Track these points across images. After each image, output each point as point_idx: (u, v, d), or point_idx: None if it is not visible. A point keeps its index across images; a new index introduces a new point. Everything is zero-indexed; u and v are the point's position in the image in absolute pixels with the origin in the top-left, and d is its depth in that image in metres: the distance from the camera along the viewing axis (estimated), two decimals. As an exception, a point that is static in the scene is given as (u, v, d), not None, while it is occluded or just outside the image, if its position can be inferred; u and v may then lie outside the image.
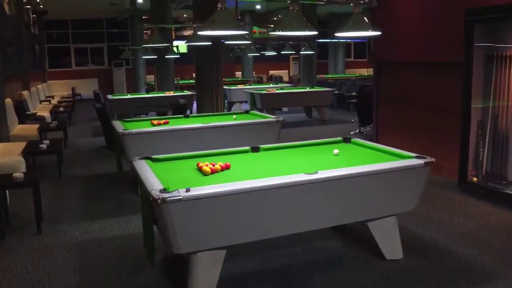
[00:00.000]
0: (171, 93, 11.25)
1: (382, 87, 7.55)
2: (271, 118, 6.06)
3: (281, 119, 5.95)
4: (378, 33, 3.72)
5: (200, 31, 3.31)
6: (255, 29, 19.91)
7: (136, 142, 5.20)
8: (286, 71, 24.00)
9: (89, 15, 18.92)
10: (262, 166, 3.59)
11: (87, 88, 19.09)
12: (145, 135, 5.27)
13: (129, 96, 11.24)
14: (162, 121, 6.05)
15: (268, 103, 10.78)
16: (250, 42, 7.81)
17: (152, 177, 3.05)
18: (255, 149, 4.04)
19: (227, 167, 3.40)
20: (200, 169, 3.34)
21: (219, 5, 3.24)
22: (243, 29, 3.25)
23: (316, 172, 3.11)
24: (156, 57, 11.77)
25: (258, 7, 17.44)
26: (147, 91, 13.67)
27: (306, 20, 3.51)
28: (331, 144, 4.34)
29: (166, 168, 3.47)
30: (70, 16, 19.17)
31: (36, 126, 8.62)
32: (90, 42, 20.34)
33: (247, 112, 6.98)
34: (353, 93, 13.59)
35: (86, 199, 5.61)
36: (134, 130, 5.25)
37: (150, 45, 6.09)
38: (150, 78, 17.82)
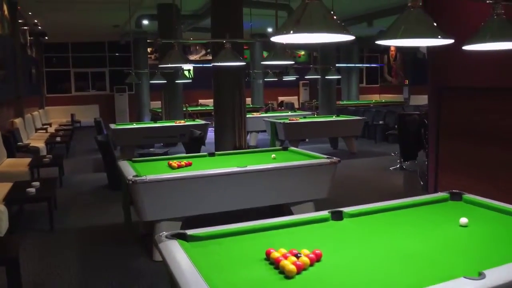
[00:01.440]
0: (182, 122, 9.95)
1: (444, 117, 6.24)
2: (322, 158, 4.74)
3: (335, 160, 4.65)
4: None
5: (275, 36, 2.04)
6: (265, 54, 18.82)
7: (153, 193, 3.88)
8: (296, 97, 22.91)
9: (91, 38, 17.94)
10: (362, 251, 2.25)
11: (87, 114, 17.97)
12: (164, 184, 3.92)
13: (134, 126, 9.91)
14: (183, 162, 4.69)
15: (292, 133, 9.50)
16: (293, 62, 6.60)
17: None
18: (337, 216, 2.72)
19: (317, 259, 2.07)
20: (276, 263, 2.01)
21: (307, -5, 1.97)
22: (347, 32, 1.98)
23: (483, 276, 1.80)
24: (165, 81, 10.54)
25: (269, 30, 16.36)
26: (153, 120, 12.39)
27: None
28: (437, 204, 3.03)
29: (215, 258, 2.14)
30: (71, 39, 18.15)
31: (27, 160, 7.36)
32: (91, 67, 19.28)
33: (285, 148, 5.64)
34: (380, 122, 12.41)
35: (84, 268, 4.25)
36: (149, 177, 3.91)
37: (169, 64, 4.84)
38: (154, 104, 16.62)
